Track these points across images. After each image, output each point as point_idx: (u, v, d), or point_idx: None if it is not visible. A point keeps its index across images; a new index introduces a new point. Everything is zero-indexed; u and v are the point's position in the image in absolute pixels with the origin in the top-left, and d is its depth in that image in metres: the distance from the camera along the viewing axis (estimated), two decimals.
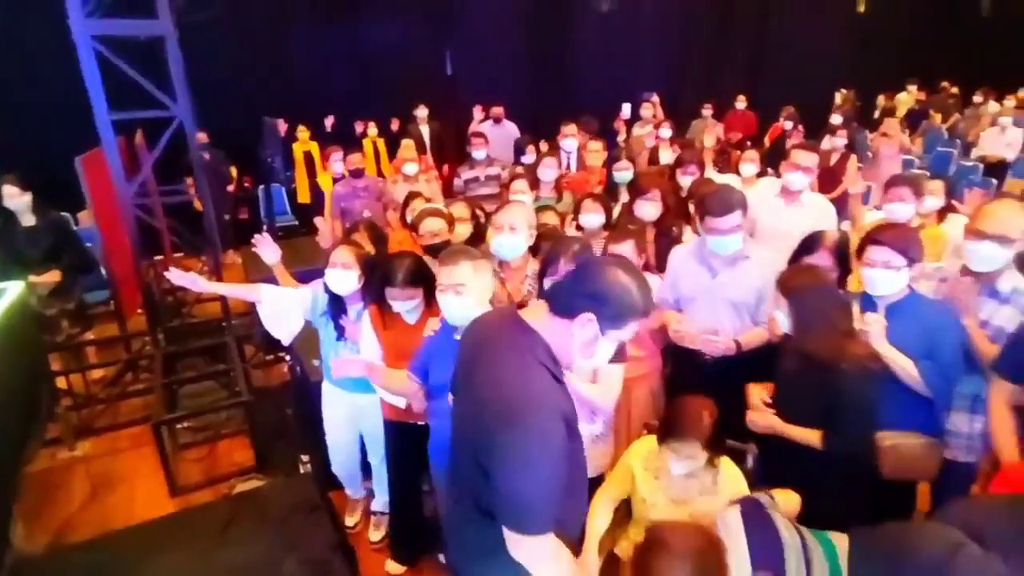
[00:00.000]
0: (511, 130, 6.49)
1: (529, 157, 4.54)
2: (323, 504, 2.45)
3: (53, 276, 3.68)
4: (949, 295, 2.16)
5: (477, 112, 6.98)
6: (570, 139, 4.83)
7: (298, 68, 7.63)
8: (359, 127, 7.35)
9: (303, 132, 7.03)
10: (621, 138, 5.95)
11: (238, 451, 3.59)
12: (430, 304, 2.35)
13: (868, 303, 2.10)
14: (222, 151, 6.83)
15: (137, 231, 3.97)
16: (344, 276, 2.44)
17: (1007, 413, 1.85)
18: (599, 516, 1.93)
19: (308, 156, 7.06)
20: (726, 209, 2.24)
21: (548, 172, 4.00)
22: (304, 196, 7.17)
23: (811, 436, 1.90)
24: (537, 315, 1.36)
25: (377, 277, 2.39)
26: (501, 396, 1.27)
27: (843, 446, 1.82)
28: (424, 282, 2.33)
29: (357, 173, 4.64)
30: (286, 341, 2.66)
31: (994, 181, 5.64)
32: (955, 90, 9.54)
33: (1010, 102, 8.27)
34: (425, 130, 6.91)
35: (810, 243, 2.37)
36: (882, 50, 10.76)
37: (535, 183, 3.91)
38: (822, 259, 2.32)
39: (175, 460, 3.41)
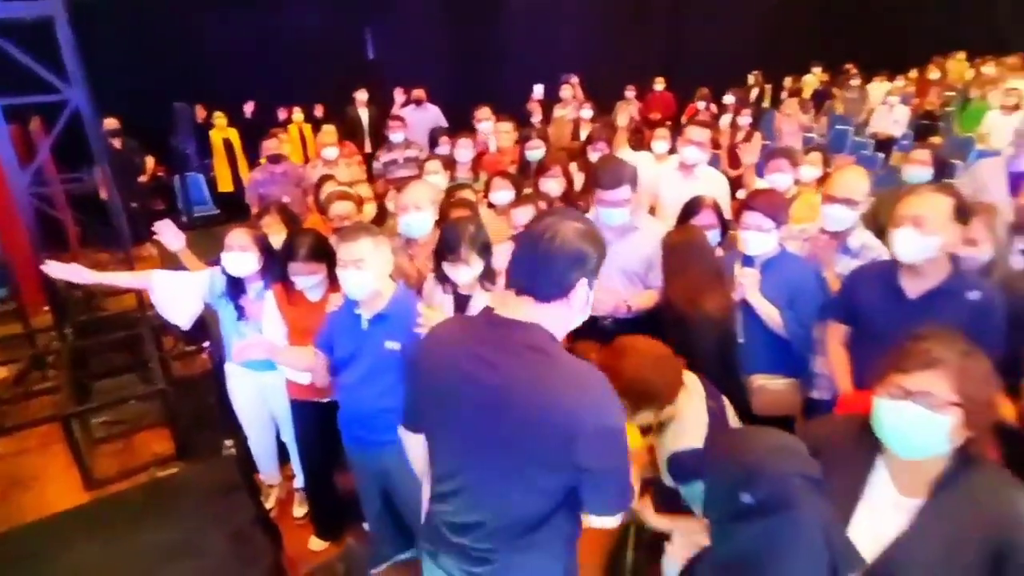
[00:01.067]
0: (434, 113, 6.51)
1: (444, 148, 4.64)
2: (244, 483, 2.48)
3: None
4: (811, 252, 2.41)
5: (398, 95, 6.95)
6: (485, 122, 4.94)
7: (211, 52, 7.37)
8: (282, 113, 7.18)
9: (220, 118, 6.83)
10: (536, 119, 6.10)
11: (158, 442, 3.54)
12: (334, 282, 2.38)
13: (748, 260, 2.30)
14: (135, 140, 6.54)
15: (35, 222, 3.80)
16: (242, 258, 2.46)
17: (841, 350, 2.09)
18: None
19: (227, 143, 6.87)
20: (616, 183, 2.38)
21: (464, 153, 4.10)
22: (226, 184, 6.98)
23: None
24: (524, 311, 1.26)
25: (281, 254, 2.43)
26: (571, 396, 1.19)
27: None
28: (327, 258, 2.36)
29: (275, 159, 4.58)
30: (185, 325, 2.65)
31: (881, 155, 6.13)
32: (854, 71, 10.18)
33: (900, 82, 8.94)
34: (364, 114, 6.84)
35: (693, 206, 2.58)
36: (791, 35, 11.35)
37: (453, 165, 4.00)
38: (707, 218, 2.54)
39: (91, 455, 3.33)
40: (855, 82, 8.13)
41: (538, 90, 7.12)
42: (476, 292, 2.28)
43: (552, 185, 3.12)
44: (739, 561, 1.11)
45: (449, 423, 1.35)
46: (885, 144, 6.53)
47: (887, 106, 6.87)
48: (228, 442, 3.35)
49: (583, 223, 1.27)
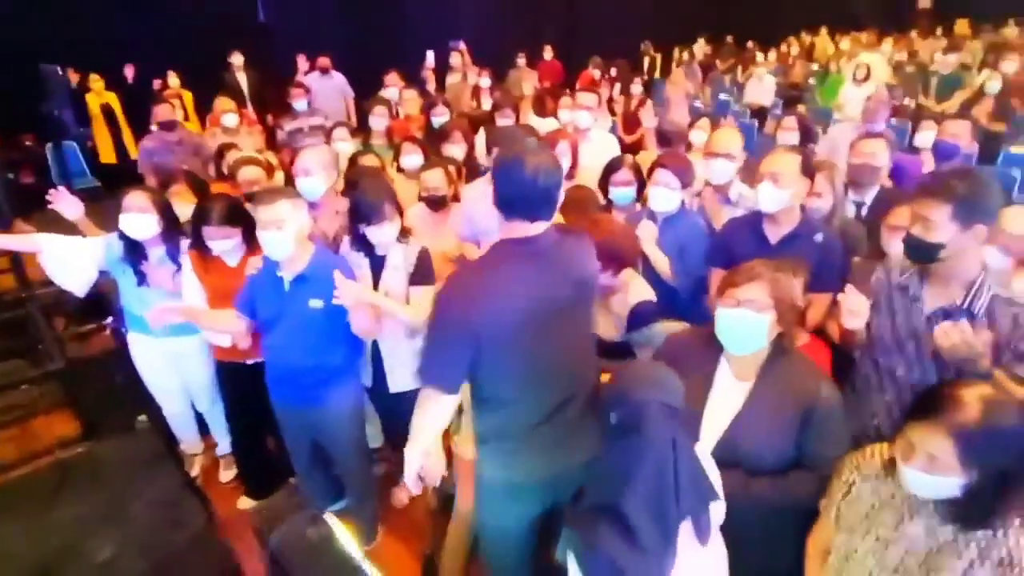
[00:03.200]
0: (339, 80, 6.39)
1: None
2: (168, 453, 2.49)
3: None
4: (702, 206, 2.72)
5: (301, 63, 6.71)
6: (392, 88, 4.98)
7: (84, 10, 6.71)
8: (158, 81, 6.67)
9: (97, 82, 6.30)
10: (431, 87, 6.17)
11: (61, 425, 3.37)
12: (251, 245, 2.42)
13: (652, 215, 2.56)
14: None
15: None
16: (141, 220, 2.42)
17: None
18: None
19: (107, 109, 6.36)
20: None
21: (379, 121, 4.14)
22: (108, 155, 6.48)
23: None
24: (535, 229, 1.52)
25: (194, 220, 2.42)
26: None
27: None
28: (241, 222, 2.39)
29: (168, 125, 4.37)
30: (80, 292, 2.59)
31: (756, 122, 6.76)
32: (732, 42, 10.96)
33: (772, 55, 9.79)
34: (243, 78, 6.53)
35: (615, 163, 2.79)
36: (679, 7, 11.96)
37: (368, 133, 4.06)
38: (625, 175, 2.74)
39: None
40: (685, 56, 8.76)
41: (430, 57, 7.14)
42: (392, 249, 2.38)
43: (455, 150, 3.26)
44: (607, 477, 1.30)
45: (531, 344, 1.52)
46: (759, 113, 7.18)
47: (757, 78, 7.54)
48: (142, 417, 3.29)
49: (540, 146, 1.59)
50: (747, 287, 1.55)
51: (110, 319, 3.51)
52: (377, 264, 2.39)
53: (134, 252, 2.51)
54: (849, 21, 11.33)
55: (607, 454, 1.32)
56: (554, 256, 1.54)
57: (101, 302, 3.30)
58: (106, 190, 6.44)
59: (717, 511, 1.35)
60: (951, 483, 1.15)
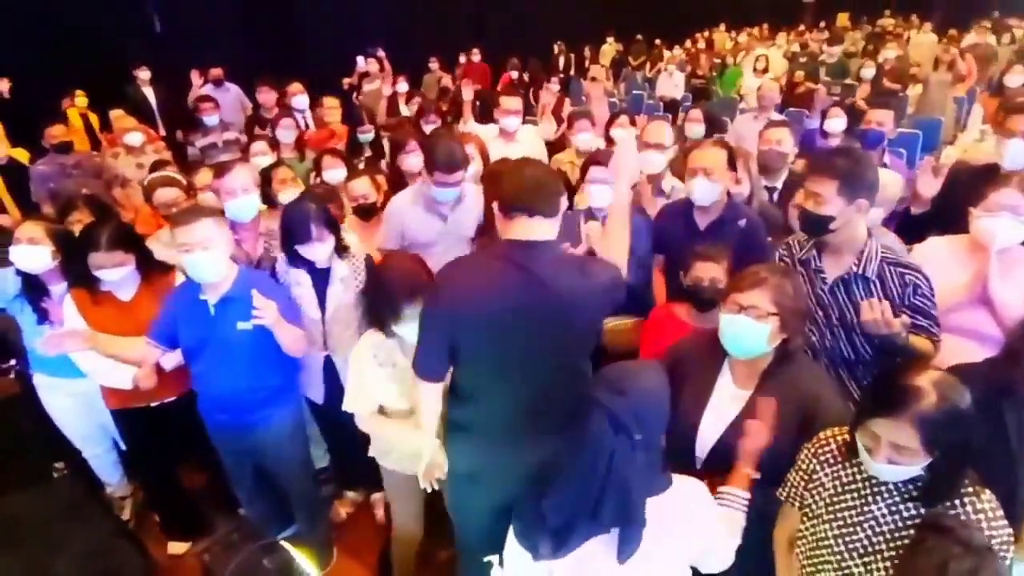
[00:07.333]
0: (235, 93, 6.12)
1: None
2: (91, 499, 2.31)
3: None
4: (637, 199, 2.79)
5: (195, 77, 6.37)
6: (299, 96, 4.84)
7: None
8: (67, 101, 6.12)
9: None
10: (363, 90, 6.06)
11: None
12: (148, 277, 2.26)
13: (590, 214, 2.55)
14: None
15: None
16: (32, 252, 2.23)
17: (660, 276, 2.52)
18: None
19: None
20: (454, 167, 2.47)
21: (287, 134, 4.01)
22: None
23: None
24: (540, 230, 1.58)
25: (79, 247, 2.19)
26: (602, 275, 1.66)
27: None
28: (134, 247, 2.20)
29: (63, 148, 4.05)
30: None
31: (670, 115, 7.04)
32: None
33: (678, 50, 10.25)
34: (151, 93, 6.16)
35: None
36: (586, 6, 12.29)
37: (276, 146, 3.90)
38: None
39: None
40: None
41: (361, 63, 6.99)
42: (334, 264, 2.29)
43: (413, 160, 3.07)
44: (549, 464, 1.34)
45: (506, 347, 1.58)
46: (671, 106, 7.50)
47: (667, 73, 7.89)
48: (58, 464, 3.04)
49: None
50: (750, 293, 1.51)
51: (13, 361, 3.22)
52: (320, 279, 2.31)
53: (32, 288, 2.31)
54: (745, 17, 12.04)
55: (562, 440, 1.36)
56: (546, 269, 1.55)
57: (1, 342, 3.01)
58: None
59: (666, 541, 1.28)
60: (916, 467, 1.21)
